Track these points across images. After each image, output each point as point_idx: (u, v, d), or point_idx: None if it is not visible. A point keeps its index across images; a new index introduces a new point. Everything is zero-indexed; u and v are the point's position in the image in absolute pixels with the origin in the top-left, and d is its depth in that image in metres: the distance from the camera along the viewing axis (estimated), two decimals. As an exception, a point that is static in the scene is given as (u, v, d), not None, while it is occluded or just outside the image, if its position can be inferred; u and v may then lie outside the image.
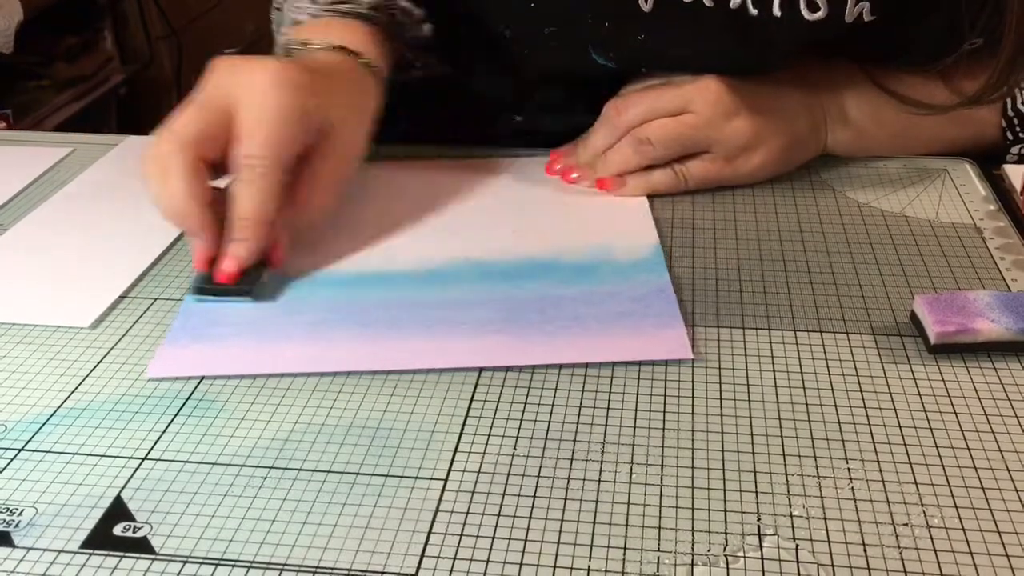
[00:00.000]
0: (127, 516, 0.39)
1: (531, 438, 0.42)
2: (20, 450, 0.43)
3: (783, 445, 0.42)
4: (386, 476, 0.41)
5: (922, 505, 0.38)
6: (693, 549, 0.37)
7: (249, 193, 0.51)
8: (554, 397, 0.45)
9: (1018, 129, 0.63)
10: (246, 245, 0.52)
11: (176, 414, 0.45)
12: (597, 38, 0.61)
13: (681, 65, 0.61)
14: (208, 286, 0.52)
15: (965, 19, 0.56)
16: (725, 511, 0.38)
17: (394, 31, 0.62)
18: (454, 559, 0.37)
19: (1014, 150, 0.64)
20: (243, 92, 0.51)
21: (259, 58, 0.53)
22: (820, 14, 0.56)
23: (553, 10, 0.62)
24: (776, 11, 0.57)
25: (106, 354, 0.49)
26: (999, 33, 0.55)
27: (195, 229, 0.52)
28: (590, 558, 0.36)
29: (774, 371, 0.46)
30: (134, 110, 1.78)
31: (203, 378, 0.47)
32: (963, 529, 0.37)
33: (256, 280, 0.52)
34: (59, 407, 0.45)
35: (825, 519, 0.38)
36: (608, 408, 0.44)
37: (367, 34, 0.60)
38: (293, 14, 0.62)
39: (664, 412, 0.44)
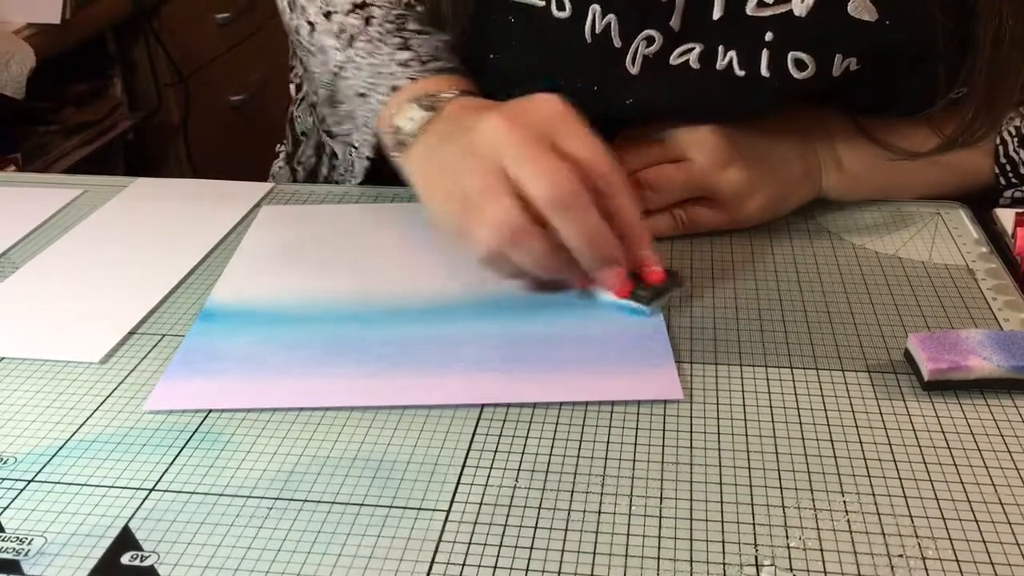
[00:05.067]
0: (135, 546, 0.40)
1: (532, 471, 0.43)
2: (30, 481, 0.43)
3: (780, 478, 0.42)
4: (390, 507, 0.41)
5: (917, 537, 0.39)
6: (692, 579, 0.37)
7: (632, 204, 0.52)
8: (555, 431, 0.46)
9: (1011, 175, 0.65)
10: (652, 248, 0.54)
11: (183, 446, 0.45)
12: (587, 101, 0.63)
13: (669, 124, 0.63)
14: (648, 292, 0.54)
15: (941, 72, 0.58)
16: (723, 542, 0.39)
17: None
18: (456, 588, 0.37)
19: (1007, 194, 0.66)
20: (555, 126, 0.52)
21: (528, 98, 0.54)
22: (808, 72, 0.58)
23: (544, 75, 0.64)
24: (764, 71, 0.58)
25: (115, 388, 0.50)
26: (977, 88, 0.57)
27: (620, 255, 0.52)
28: (590, 588, 0.37)
29: (771, 407, 0.47)
30: (141, 156, 1.80)
31: (210, 411, 0.48)
32: (957, 560, 0.38)
33: (674, 272, 0.56)
34: (68, 439, 0.46)
35: (822, 550, 0.38)
36: (608, 442, 0.45)
37: (470, 83, 0.62)
38: (388, 81, 0.63)
39: (663, 446, 0.44)
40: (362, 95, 0.65)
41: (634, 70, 0.60)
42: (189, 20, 1.83)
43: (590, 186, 0.50)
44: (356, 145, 0.69)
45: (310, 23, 0.67)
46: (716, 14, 0.58)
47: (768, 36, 0.57)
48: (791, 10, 0.56)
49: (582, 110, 0.64)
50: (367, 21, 0.65)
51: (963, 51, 0.57)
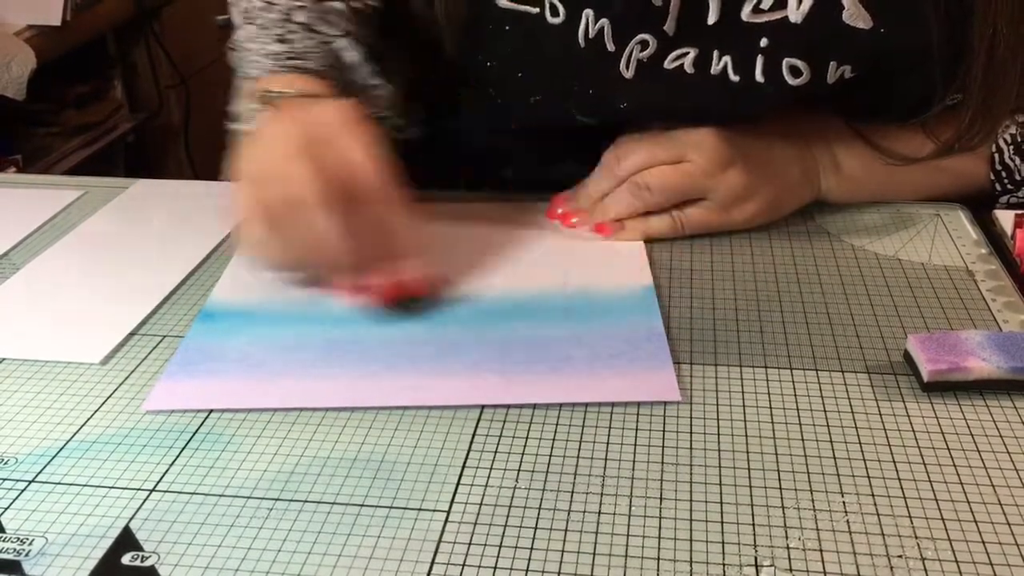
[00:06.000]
0: (135, 546, 0.40)
1: (532, 471, 0.43)
2: (31, 481, 0.43)
3: (780, 479, 0.42)
4: (390, 508, 0.41)
5: (916, 538, 0.39)
6: (691, 580, 0.37)
7: (397, 213, 0.54)
8: (555, 432, 0.46)
9: (1006, 181, 0.65)
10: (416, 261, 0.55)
11: (184, 447, 0.45)
12: (582, 104, 0.63)
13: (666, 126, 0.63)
14: (406, 305, 0.55)
15: (938, 78, 0.58)
16: (723, 543, 0.39)
17: (347, 89, 0.63)
18: (456, 588, 0.37)
19: (1002, 200, 0.66)
20: (330, 131, 0.54)
21: (321, 102, 0.57)
22: (803, 79, 0.58)
23: (539, 81, 0.64)
24: (759, 77, 0.58)
25: (115, 389, 0.50)
26: (973, 93, 0.57)
27: (347, 265, 0.54)
28: (590, 588, 0.37)
29: (771, 407, 0.47)
30: (142, 157, 1.80)
31: (210, 412, 0.48)
32: (956, 561, 0.38)
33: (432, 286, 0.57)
34: (69, 440, 0.46)
35: (821, 551, 0.39)
36: (608, 443, 0.45)
37: (324, 85, 0.61)
38: (247, 67, 0.64)
39: (663, 447, 0.45)
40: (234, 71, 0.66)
41: (628, 74, 0.60)
42: (190, 22, 1.83)
43: (344, 193, 0.52)
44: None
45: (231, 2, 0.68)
46: (711, 19, 0.58)
47: (763, 42, 0.57)
48: (786, 17, 0.57)
49: (577, 115, 0.64)
50: (268, 7, 0.64)
51: (958, 57, 0.57)
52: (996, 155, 0.64)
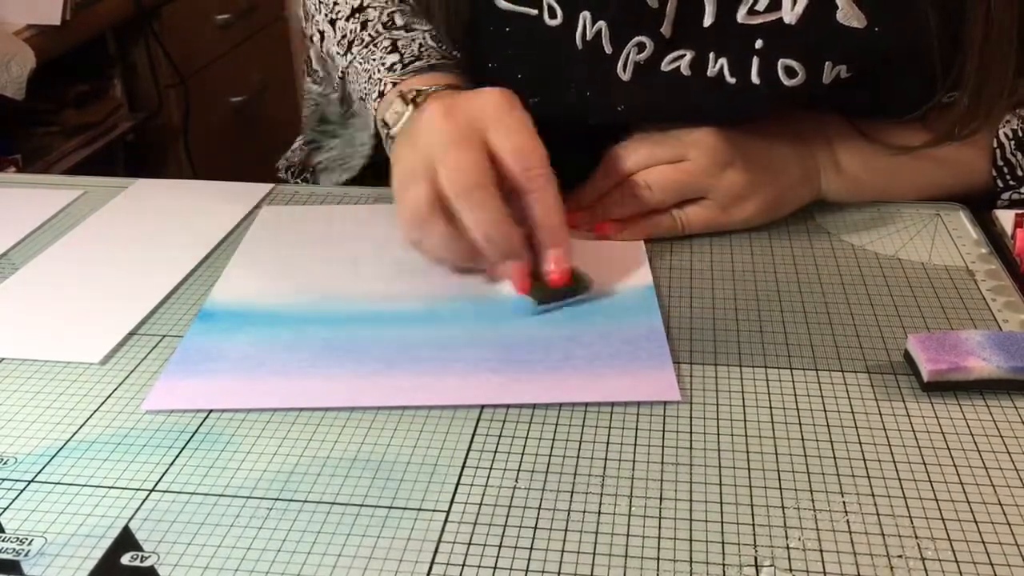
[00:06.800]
0: (135, 546, 0.40)
1: (532, 471, 0.43)
2: (30, 481, 0.43)
3: (780, 479, 0.42)
4: (389, 508, 0.41)
5: (916, 538, 0.39)
6: (691, 580, 0.37)
7: (548, 201, 0.53)
8: (555, 432, 0.46)
9: (1008, 178, 0.65)
10: (566, 248, 0.54)
11: (183, 447, 0.45)
12: (580, 106, 0.63)
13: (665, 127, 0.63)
14: (543, 292, 0.54)
15: (938, 74, 0.58)
16: (723, 543, 0.39)
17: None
18: (456, 589, 0.37)
19: (1005, 196, 0.66)
20: (488, 119, 0.53)
21: (474, 91, 0.56)
22: (798, 79, 0.58)
23: (537, 82, 0.64)
24: (755, 79, 0.59)
25: (115, 389, 0.50)
26: (967, 79, 0.57)
27: (518, 250, 0.53)
28: (590, 588, 0.37)
29: (771, 407, 0.47)
30: (142, 157, 1.80)
31: (210, 412, 0.48)
32: (956, 561, 0.38)
33: (582, 277, 0.56)
34: (69, 440, 0.46)
35: (821, 551, 0.38)
36: (608, 443, 0.45)
37: (454, 77, 0.62)
38: (375, 87, 0.63)
39: (663, 447, 0.44)
40: (362, 99, 0.66)
41: (625, 76, 0.60)
42: (190, 21, 1.83)
43: (500, 180, 0.52)
44: (358, 145, 0.70)
45: (320, 32, 0.68)
46: (707, 21, 0.58)
47: (758, 44, 0.58)
48: (781, 18, 0.57)
49: (575, 116, 0.64)
50: (363, 25, 0.65)
51: (953, 52, 0.57)
52: (997, 151, 0.64)
